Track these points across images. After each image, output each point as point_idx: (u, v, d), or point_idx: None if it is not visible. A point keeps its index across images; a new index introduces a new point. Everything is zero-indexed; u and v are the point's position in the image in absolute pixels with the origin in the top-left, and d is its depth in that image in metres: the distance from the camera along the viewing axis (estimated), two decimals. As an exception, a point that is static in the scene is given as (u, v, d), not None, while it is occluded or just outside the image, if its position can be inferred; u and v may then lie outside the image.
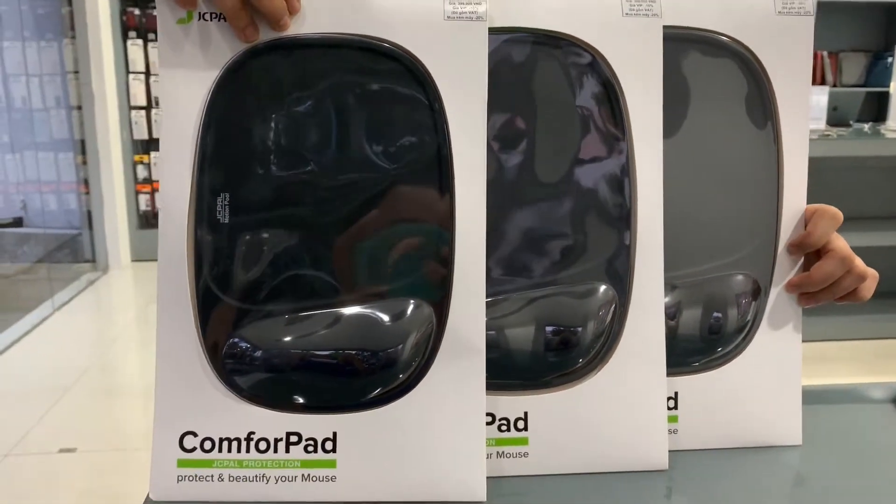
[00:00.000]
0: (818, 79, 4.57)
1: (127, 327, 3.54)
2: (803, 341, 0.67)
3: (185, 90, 0.58)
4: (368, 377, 0.58)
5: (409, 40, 0.58)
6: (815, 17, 0.64)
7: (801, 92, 0.65)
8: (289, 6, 0.56)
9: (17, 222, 4.15)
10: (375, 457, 0.58)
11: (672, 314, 0.65)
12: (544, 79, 0.61)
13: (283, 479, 0.58)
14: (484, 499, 0.58)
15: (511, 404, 0.62)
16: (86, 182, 4.27)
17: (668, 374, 0.62)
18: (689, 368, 0.66)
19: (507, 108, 0.61)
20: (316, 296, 0.59)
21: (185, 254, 0.58)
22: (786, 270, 0.67)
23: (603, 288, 0.62)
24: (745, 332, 0.66)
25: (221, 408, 0.58)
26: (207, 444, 0.58)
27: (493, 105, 0.59)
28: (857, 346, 3.13)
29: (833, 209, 0.66)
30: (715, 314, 0.66)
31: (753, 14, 0.64)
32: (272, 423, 0.58)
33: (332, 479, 0.58)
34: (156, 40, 4.36)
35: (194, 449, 0.58)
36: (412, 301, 0.59)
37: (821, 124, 3.38)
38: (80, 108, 4.17)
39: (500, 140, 0.61)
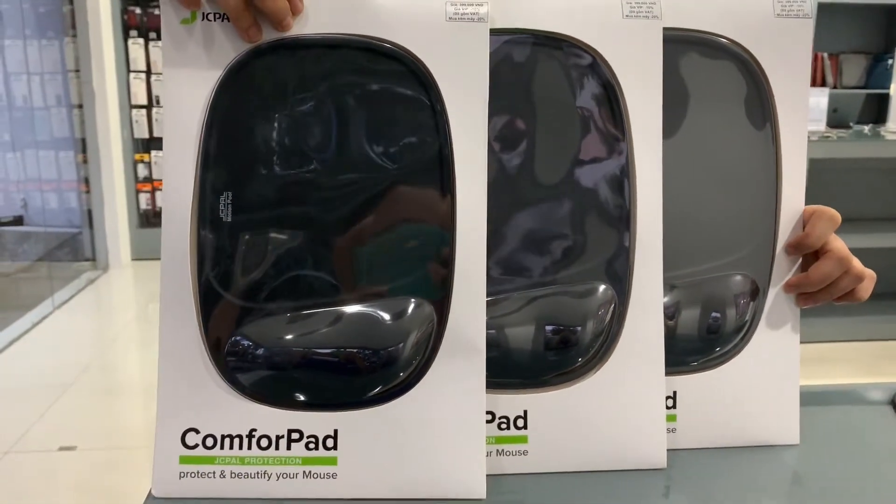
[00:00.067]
0: (818, 80, 4.57)
1: (127, 326, 3.54)
2: (803, 342, 0.67)
3: (189, 90, 0.58)
4: (369, 375, 0.59)
5: (411, 41, 0.58)
6: (816, 19, 0.65)
7: (799, 93, 0.66)
8: (291, 7, 0.57)
9: (18, 221, 4.15)
10: (376, 454, 0.59)
11: (671, 314, 0.66)
12: (545, 80, 0.62)
13: (285, 475, 0.59)
14: (483, 496, 0.59)
15: (511, 403, 0.62)
16: (86, 181, 4.27)
17: (667, 373, 0.63)
18: (687, 368, 0.66)
19: (508, 109, 0.62)
20: (317, 294, 0.59)
21: (187, 252, 0.58)
22: (784, 271, 0.67)
23: (602, 288, 0.63)
24: (743, 332, 0.67)
25: (223, 405, 0.59)
26: (209, 441, 0.59)
27: (494, 105, 0.59)
28: (856, 348, 3.14)
29: (831, 210, 0.67)
30: (713, 314, 0.66)
31: (752, 16, 0.64)
32: (274, 420, 0.59)
33: (333, 476, 0.59)
34: (157, 39, 4.35)
35: (196, 446, 0.59)
36: (413, 300, 0.59)
37: (821, 126, 3.39)
38: (80, 106, 4.17)
39: (501, 140, 0.62)
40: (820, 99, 3.41)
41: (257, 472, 0.59)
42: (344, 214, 0.59)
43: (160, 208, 4.30)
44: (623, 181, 0.62)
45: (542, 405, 0.62)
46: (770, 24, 0.64)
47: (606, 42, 0.61)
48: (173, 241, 0.59)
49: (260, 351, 0.59)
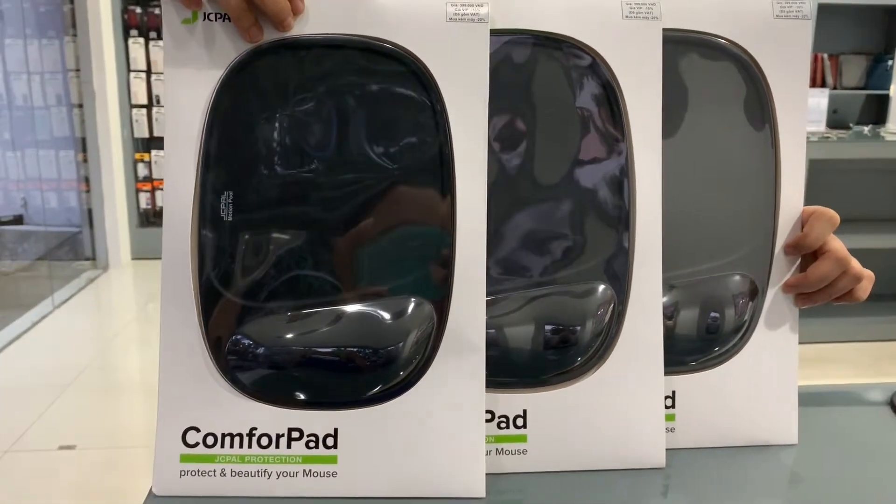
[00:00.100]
0: (818, 81, 4.57)
1: (127, 325, 3.54)
2: (802, 343, 0.67)
3: (190, 89, 0.58)
4: (369, 374, 0.59)
5: (412, 41, 0.59)
6: (816, 20, 0.65)
7: (798, 94, 0.66)
8: (292, 7, 0.57)
9: (18, 220, 4.15)
10: (376, 453, 0.59)
11: (670, 314, 0.66)
12: (545, 80, 0.62)
13: (285, 474, 0.59)
14: (483, 495, 0.59)
15: (510, 402, 0.62)
16: (86, 180, 4.27)
17: (666, 373, 0.63)
18: (686, 368, 0.67)
19: (508, 109, 0.62)
20: (318, 294, 0.59)
21: (188, 251, 0.59)
22: (783, 271, 0.67)
23: (602, 288, 0.63)
24: (742, 332, 0.67)
25: (224, 404, 0.59)
26: (210, 440, 0.59)
27: (494, 106, 0.60)
28: (855, 349, 3.14)
29: (830, 211, 0.67)
30: (712, 314, 0.67)
31: (752, 18, 0.65)
32: (274, 418, 0.59)
33: (333, 474, 0.59)
34: (157, 39, 4.34)
35: (197, 444, 0.59)
36: (413, 299, 0.59)
37: (821, 127, 3.39)
38: (81, 105, 4.17)
39: (501, 140, 0.62)
40: (820, 100, 3.42)
41: (258, 471, 0.59)
42: (344, 214, 0.59)
43: (160, 208, 4.31)
44: (623, 181, 0.63)
45: (541, 404, 0.62)
46: (769, 26, 0.65)
47: (606, 43, 0.62)
48: (174, 240, 0.59)
49: (260, 350, 0.59)
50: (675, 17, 0.63)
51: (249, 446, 0.59)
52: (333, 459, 0.59)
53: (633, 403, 0.63)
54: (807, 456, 0.67)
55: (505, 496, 0.59)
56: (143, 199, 4.58)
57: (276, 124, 0.59)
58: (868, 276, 0.68)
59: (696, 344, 0.67)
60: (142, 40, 4.43)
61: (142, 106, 4.48)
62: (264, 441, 0.59)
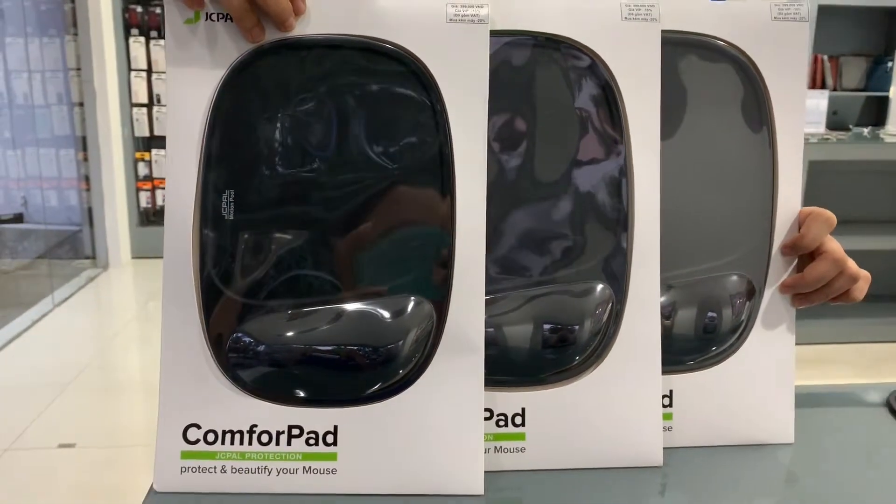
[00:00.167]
0: (818, 82, 4.57)
1: (127, 324, 3.55)
2: (800, 344, 0.68)
3: (192, 89, 0.59)
4: (369, 372, 0.59)
5: (412, 42, 0.59)
6: (816, 21, 0.66)
7: (796, 96, 0.66)
8: (294, 7, 0.57)
9: (18, 218, 4.15)
10: (375, 450, 0.59)
11: (668, 313, 0.66)
12: (544, 81, 0.63)
13: (285, 471, 0.59)
14: (482, 492, 0.59)
15: (509, 400, 0.63)
16: (87, 179, 4.27)
17: (664, 372, 0.63)
18: (683, 367, 0.67)
19: (508, 110, 0.62)
20: (318, 293, 0.60)
21: (190, 249, 0.59)
22: (780, 271, 0.68)
23: (600, 287, 0.63)
24: (739, 332, 0.67)
25: (225, 401, 0.59)
26: (210, 437, 0.59)
27: (494, 106, 0.60)
28: (853, 349, 3.14)
29: (827, 212, 0.67)
30: (710, 314, 0.67)
31: (750, 20, 0.65)
32: (274, 416, 0.59)
33: (333, 471, 0.59)
34: (158, 38, 4.34)
35: (198, 441, 0.59)
36: (413, 298, 0.60)
37: (820, 128, 3.39)
38: (81, 104, 4.17)
39: (501, 141, 0.62)
40: (820, 101, 3.42)
41: (258, 468, 0.59)
42: (345, 214, 0.60)
43: (160, 207, 4.31)
44: (621, 182, 0.63)
45: (539, 403, 0.63)
46: (767, 28, 0.65)
47: (605, 44, 0.62)
48: (176, 238, 0.59)
49: (261, 348, 0.59)
50: (674, 19, 0.64)
51: (250, 443, 0.59)
52: (333, 456, 0.59)
53: (630, 402, 0.63)
54: (803, 455, 0.67)
55: (503, 494, 0.60)
56: (144, 197, 4.59)
57: (278, 124, 0.59)
58: (864, 276, 0.69)
59: (694, 343, 0.67)
60: (143, 39, 4.43)
61: (142, 105, 4.48)
62: (264, 438, 0.59)
